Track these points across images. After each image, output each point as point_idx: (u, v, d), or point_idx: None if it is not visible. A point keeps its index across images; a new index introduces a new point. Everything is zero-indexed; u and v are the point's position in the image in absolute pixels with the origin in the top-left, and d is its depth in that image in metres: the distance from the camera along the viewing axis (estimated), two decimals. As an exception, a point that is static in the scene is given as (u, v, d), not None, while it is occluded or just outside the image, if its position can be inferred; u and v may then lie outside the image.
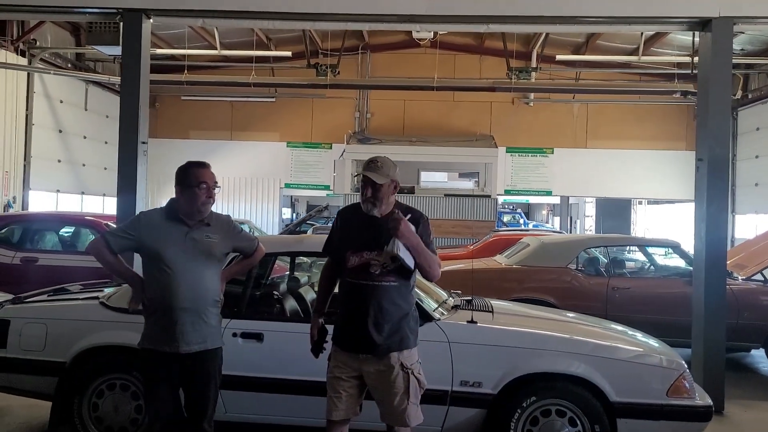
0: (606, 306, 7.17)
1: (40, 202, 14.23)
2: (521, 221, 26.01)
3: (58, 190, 15.03)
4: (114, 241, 3.41)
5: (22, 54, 13.78)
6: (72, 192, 15.68)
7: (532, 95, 19.05)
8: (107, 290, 4.65)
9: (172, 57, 16.02)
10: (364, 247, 3.27)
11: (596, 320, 5.12)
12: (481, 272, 7.64)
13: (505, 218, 25.06)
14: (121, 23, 6.36)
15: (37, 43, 14.12)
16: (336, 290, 3.53)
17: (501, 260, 8.21)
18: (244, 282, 4.39)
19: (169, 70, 15.87)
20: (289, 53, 14.96)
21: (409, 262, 3.19)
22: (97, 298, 4.50)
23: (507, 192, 19.77)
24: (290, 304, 4.68)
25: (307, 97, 18.77)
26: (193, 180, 3.41)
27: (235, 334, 4.19)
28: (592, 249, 8.32)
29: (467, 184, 19.24)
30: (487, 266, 8.05)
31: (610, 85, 16.58)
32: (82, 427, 4.23)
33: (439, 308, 4.39)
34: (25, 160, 13.89)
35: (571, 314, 5.41)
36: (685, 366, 4.14)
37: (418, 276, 3.44)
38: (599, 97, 17.85)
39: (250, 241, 3.69)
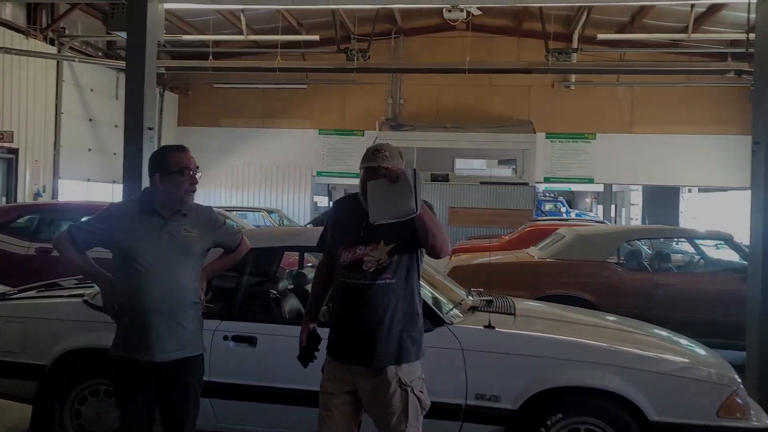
0: (649, 304, 6.56)
1: (70, 191, 14.19)
2: (563, 210, 25.20)
3: (88, 179, 14.98)
4: (80, 235, 3.04)
5: (51, 42, 13.71)
6: (103, 181, 15.62)
7: (573, 78, 18.27)
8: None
9: (204, 44, 15.79)
10: (358, 241, 2.86)
11: (636, 324, 4.57)
12: (510, 266, 7.12)
13: (546, 207, 24.33)
14: (126, 5, 6.05)
15: (67, 32, 14.02)
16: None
17: (533, 253, 7.65)
18: (237, 279, 3.99)
19: (201, 57, 15.62)
20: (317, 37, 14.53)
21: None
22: (82, 295, 4.15)
23: (546, 179, 19.09)
24: (290, 304, 4.27)
25: (338, 84, 18.40)
26: (174, 165, 3.03)
27: (226, 337, 3.82)
28: (635, 241, 7.70)
29: (504, 172, 18.68)
30: (518, 259, 7.51)
31: (657, 65, 15.67)
32: (63, 436, 3.89)
33: (454, 310, 3.91)
34: (54, 149, 13.85)
35: (607, 316, 4.87)
36: (739, 381, 3.57)
37: (431, 269, 2.96)
38: (645, 78, 16.95)
39: (233, 235, 3.30)
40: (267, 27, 16.29)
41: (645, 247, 7.87)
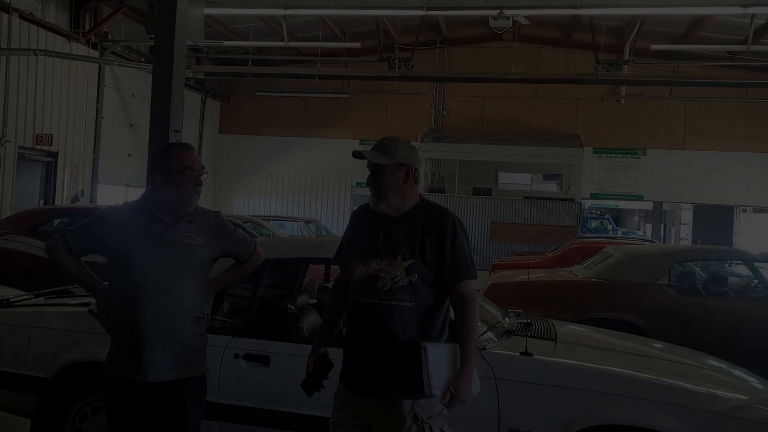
0: (702, 330, 6.04)
1: (109, 195, 14.22)
2: (609, 228, 24.43)
3: (127, 184, 15.01)
4: (74, 240, 2.77)
5: (94, 46, 13.81)
6: (142, 186, 15.58)
7: (623, 91, 17.65)
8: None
9: (246, 51, 15.74)
10: (373, 255, 2.50)
11: (687, 353, 4.11)
12: (552, 285, 6.66)
13: (592, 224, 23.65)
14: (155, 7, 5.87)
15: (109, 36, 14.11)
16: None
17: (578, 272, 7.18)
18: (251, 292, 3.68)
19: (242, 64, 15.56)
20: (358, 44, 14.30)
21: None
22: (88, 304, 3.89)
23: (593, 196, 18.45)
24: (310, 321, 3.92)
25: (381, 94, 18.16)
26: (177, 164, 2.72)
27: (237, 355, 3.51)
28: (688, 262, 7.16)
29: (549, 187, 18.16)
30: (561, 278, 7.04)
31: (713, 79, 14.95)
32: (63, 455, 3.62)
33: (487, 333, 3.52)
34: (94, 153, 13.92)
35: (656, 344, 4.41)
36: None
37: None
38: (699, 92, 16.24)
39: (244, 245, 2.96)
40: (309, 35, 16.17)
41: (699, 270, 7.32)
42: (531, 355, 3.28)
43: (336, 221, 18.81)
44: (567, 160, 17.26)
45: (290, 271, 4.33)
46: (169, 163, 2.73)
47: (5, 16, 11.51)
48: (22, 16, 11.88)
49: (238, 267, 2.99)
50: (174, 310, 2.69)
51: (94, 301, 3.80)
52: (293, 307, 3.88)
